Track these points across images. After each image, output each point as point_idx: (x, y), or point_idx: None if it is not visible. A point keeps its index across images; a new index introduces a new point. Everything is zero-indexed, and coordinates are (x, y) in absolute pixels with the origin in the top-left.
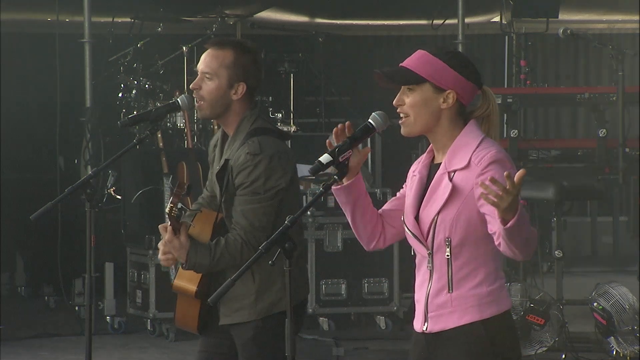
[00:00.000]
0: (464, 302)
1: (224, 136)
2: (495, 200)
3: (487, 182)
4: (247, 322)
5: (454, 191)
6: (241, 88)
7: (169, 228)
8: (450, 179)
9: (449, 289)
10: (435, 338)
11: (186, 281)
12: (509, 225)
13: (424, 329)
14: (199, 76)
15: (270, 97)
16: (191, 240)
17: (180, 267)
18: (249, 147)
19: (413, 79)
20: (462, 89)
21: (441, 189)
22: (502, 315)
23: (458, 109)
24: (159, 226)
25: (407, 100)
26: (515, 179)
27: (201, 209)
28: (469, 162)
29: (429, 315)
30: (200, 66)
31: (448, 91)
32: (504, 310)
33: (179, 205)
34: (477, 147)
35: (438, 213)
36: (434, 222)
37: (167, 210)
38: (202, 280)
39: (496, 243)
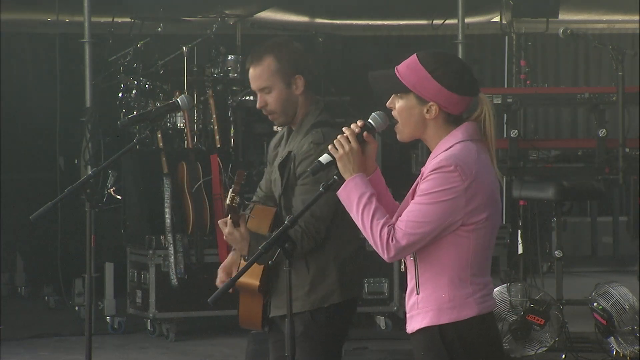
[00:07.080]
0: (426, 305)
1: (290, 131)
2: None
3: None
4: (299, 312)
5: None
6: (300, 82)
7: (229, 221)
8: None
9: (416, 291)
10: (411, 339)
11: (248, 277)
12: None
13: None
14: (259, 95)
15: None
16: (251, 232)
17: (242, 259)
18: (312, 137)
19: (399, 88)
20: (445, 100)
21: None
22: (464, 323)
23: (446, 118)
24: (219, 222)
25: (397, 106)
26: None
27: (255, 205)
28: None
29: (407, 315)
30: (253, 85)
31: (430, 103)
32: (465, 317)
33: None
34: (443, 152)
35: None
36: None
37: (227, 201)
38: (263, 274)
39: None
